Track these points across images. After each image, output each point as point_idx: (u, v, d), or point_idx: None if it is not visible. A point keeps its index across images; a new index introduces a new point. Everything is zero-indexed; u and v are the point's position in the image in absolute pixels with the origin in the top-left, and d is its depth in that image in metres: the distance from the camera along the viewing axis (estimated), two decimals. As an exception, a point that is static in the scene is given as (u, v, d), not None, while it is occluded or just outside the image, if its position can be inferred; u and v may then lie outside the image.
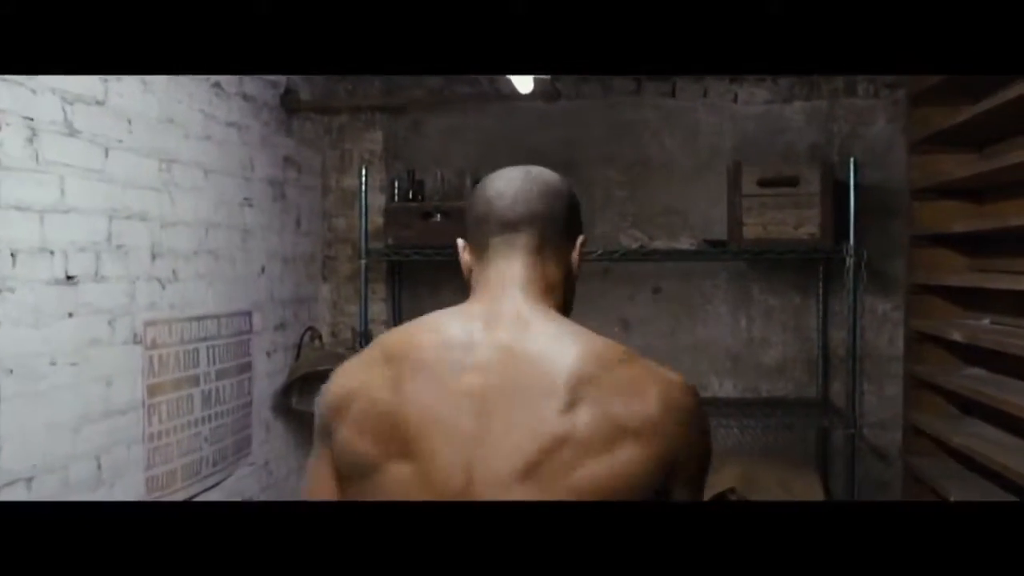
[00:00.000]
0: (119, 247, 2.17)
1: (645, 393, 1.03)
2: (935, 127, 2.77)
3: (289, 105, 3.16)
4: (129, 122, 2.20)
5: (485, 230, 1.17)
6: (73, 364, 1.99)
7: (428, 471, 1.02)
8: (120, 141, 2.17)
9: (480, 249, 1.17)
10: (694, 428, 1.05)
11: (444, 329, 1.10)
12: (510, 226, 1.16)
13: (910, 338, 3.06)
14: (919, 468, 2.88)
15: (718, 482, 3.08)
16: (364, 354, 1.13)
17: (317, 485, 1.12)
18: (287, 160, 3.19)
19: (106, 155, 2.11)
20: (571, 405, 1.01)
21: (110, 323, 2.13)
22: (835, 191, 3.03)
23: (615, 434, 1.00)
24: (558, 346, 1.06)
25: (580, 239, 1.21)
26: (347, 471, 1.08)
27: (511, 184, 1.18)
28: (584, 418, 1.00)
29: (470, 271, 1.19)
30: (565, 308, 1.18)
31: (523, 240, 1.15)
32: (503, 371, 1.04)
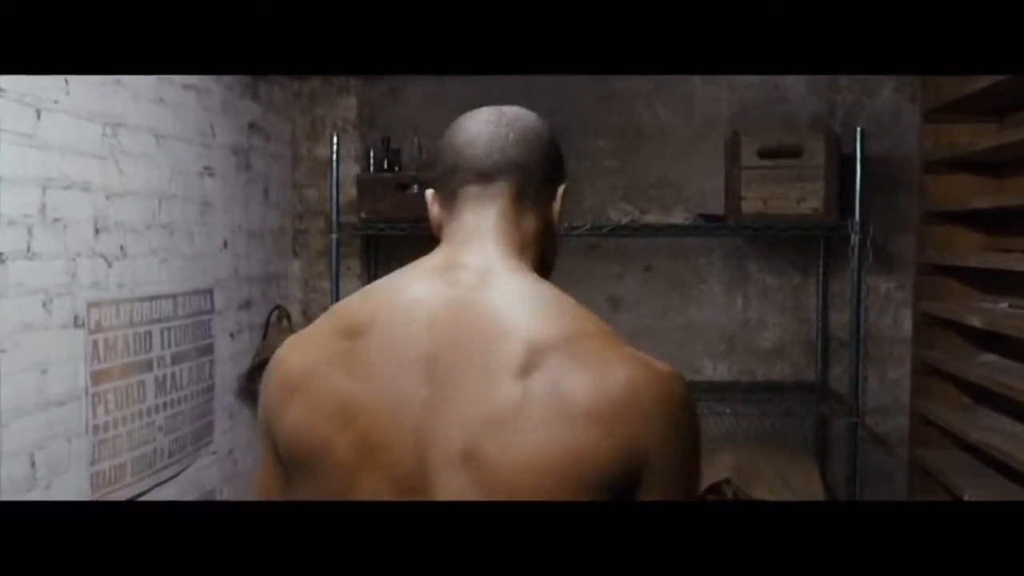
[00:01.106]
0: (56, 220, 1.95)
1: (612, 374, 0.89)
2: (951, 95, 2.57)
3: (255, 67, 2.93)
4: (66, 81, 1.98)
5: (455, 180, 1.06)
6: (1, 351, 1.78)
7: (377, 453, 0.92)
8: (55, 102, 1.94)
9: (449, 201, 1.06)
10: (672, 424, 0.91)
11: (401, 291, 0.99)
12: (483, 176, 1.05)
13: (919, 321, 2.88)
14: (927, 461, 2.72)
15: (711, 472, 2.90)
16: (314, 327, 1.01)
17: (264, 496, 1.02)
18: (253, 127, 2.96)
19: (38, 117, 1.89)
20: (525, 371, 0.89)
21: (45, 305, 1.92)
22: (840, 163, 2.84)
23: (571, 412, 0.88)
24: (522, 305, 0.95)
25: (562, 188, 1.10)
26: (295, 461, 0.96)
27: (485, 129, 1.06)
28: (538, 387, 0.88)
29: (439, 226, 1.07)
30: (544, 265, 1.08)
31: (496, 190, 1.04)
32: (457, 331, 0.93)
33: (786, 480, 2.90)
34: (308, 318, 3.24)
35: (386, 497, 0.91)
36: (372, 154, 3.24)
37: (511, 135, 1.06)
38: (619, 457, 0.88)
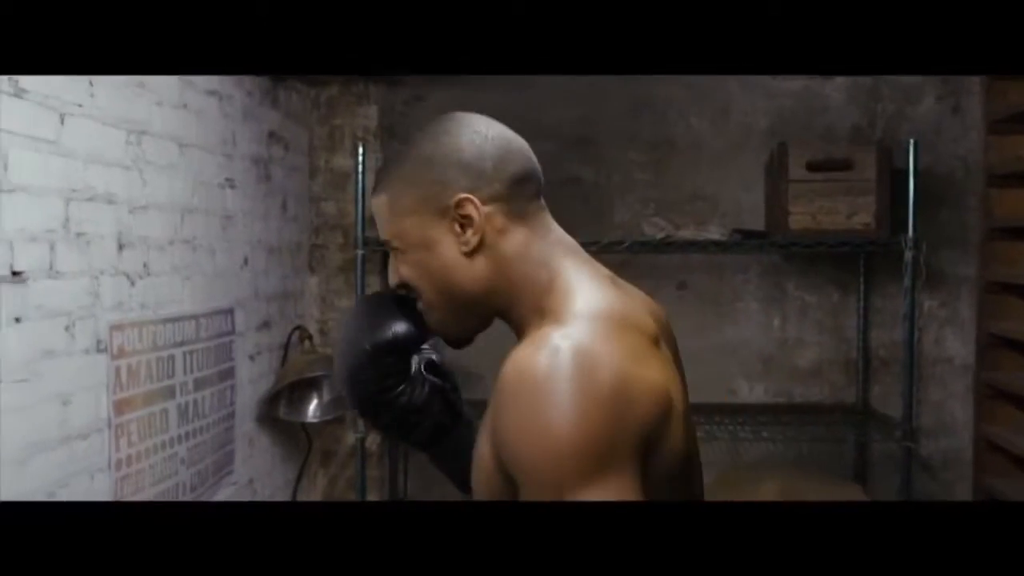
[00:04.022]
0: (79, 235, 1.78)
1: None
2: (1018, 105, 2.45)
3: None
4: (90, 83, 1.81)
5: (527, 191, 1.01)
6: (22, 380, 1.60)
7: (692, 456, 0.98)
8: (79, 106, 1.77)
9: (518, 213, 1.00)
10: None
11: (634, 299, 1.03)
12: (541, 187, 1.05)
13: (984, 342, 2.75)
14: (995, 487, 2.58)
15: (756, 500, 2.76)
16: (619, 337, 0.89)
17: None
18: (272, 136, 2.80)
19: (62, 122, 1.72)
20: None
21: (67, 329, 1.74)
22: (891, 177, 2.72)
23: None
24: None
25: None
26: (663, 471, 0.90)
27: (521, 140, 1.04)
28: None
29: (493, 236, 0.99)
30: None
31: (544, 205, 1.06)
32: (668, 340, 1.05)
33: (835, 508, 2.76)
34: (327, 338, 3.07)
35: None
36: (394, 166, 3.09)
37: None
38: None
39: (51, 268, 1.69)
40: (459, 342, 1.08)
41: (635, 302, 1.01)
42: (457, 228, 0.98)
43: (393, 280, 1.06)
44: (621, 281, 1.06)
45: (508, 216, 0.99)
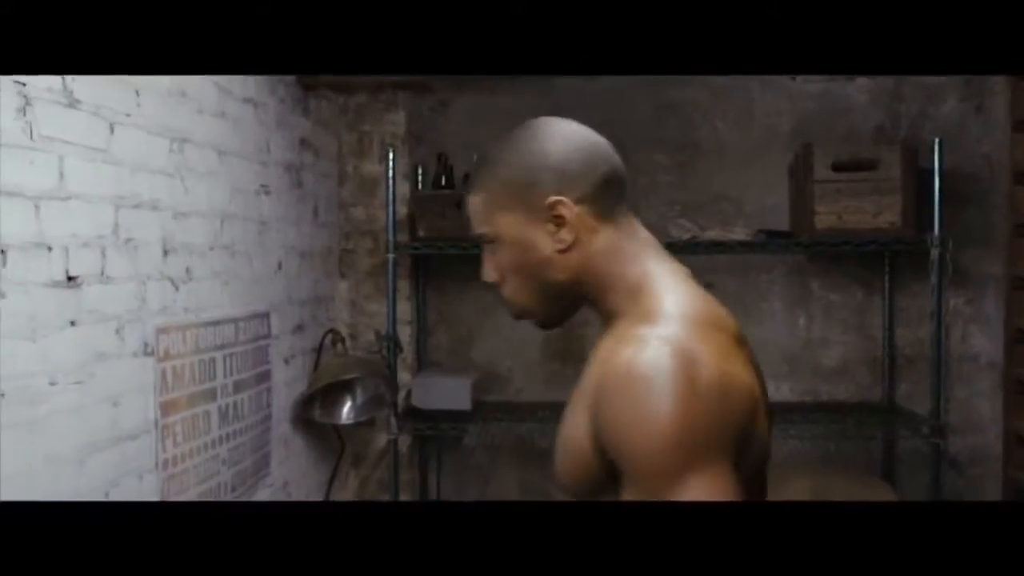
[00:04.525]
0: (127, 241, 1.82)
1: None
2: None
3: (306, 81, 2.82)
4: (137, 93, 1.86)
5: (615, 192, 1.09)
6: (78, 382, 1.65)
7: (766, 447, 1.03)
8: (127, 115, 1.82)
9: (607, 213, 1.08)
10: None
11: (713, 302, 1.07)
12: (626, 190, 1.12)
13: (1012, 339, 2.77)
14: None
15: (787, 499, 2.78)
16: (711, 333, 0.98)
17: None
18: (303, 143, 2.85)
19: (111, 131, 1.77)
20: None
21: (118, 332, 1.79)
22: (917, 176, 2.74)
23: None
24: None
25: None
26: (750, 467, 0.98)
27: (605, 141, 1.13)
28: None
29: (585, 235, 1.07)
30: None
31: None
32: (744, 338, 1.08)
33: (864, 505, 2.78)
34: (357, 342, 3.11)
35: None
36: (421, 170, 3.13)
37: None
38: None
39: (102, 273, 1.74)
40: (547, 325, 1.16)
41: (717, 303, 1.07)
42: (551, 227, 1.06)
43: (487, 274, 1.14)
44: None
45: (597, 216, 1.06)
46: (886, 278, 3.11)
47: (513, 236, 1.08)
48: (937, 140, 2.69)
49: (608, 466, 0.96)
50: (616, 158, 1.11)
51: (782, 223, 3.07)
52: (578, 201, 1.06)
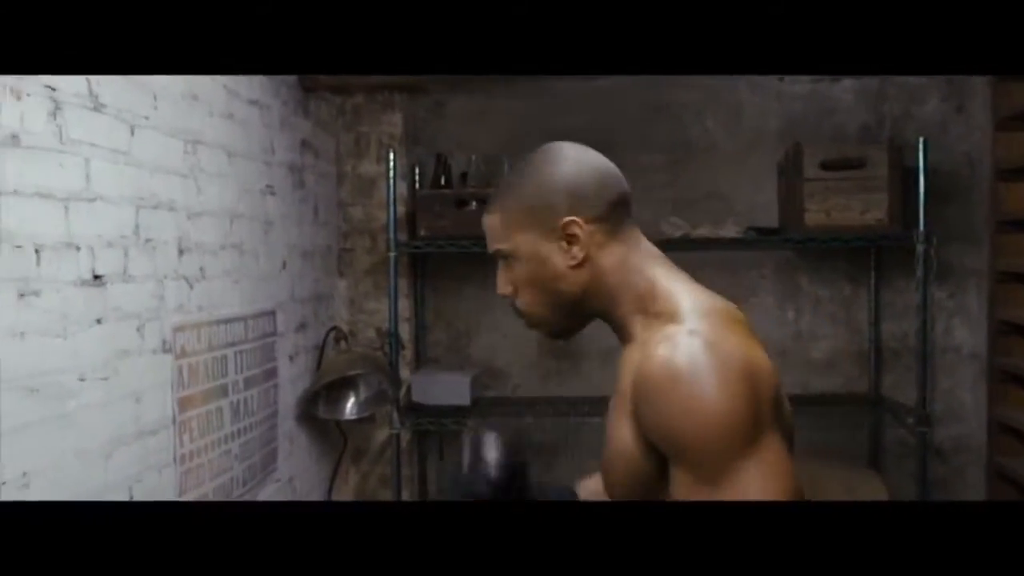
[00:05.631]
0: (147, 241, 1.87)
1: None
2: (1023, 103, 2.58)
3: (307, 83, 2.87)
4: (154, 96, 1.90)
5: (623, 210, 1.18)
6: (104, 379, 1.69)
7: (791, 419, 1.10)
8: (146, 118, 1.87)
9: (617, 230, 1.15)
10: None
11: (716, 295, 1.14)
12: (631, 208, 1.20)
13: (996, 330, 2.87)
14: (1007, 468, 2.70)
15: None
16: (730, 324, 1.07)
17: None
18: (304, 144, 2.90)
19: (132, 134, 1.81)
20: None
21: (139, 329, 1.83)
22: (903, 174, 2.83)
23: None
24: None
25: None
26: (786, 440, 1.06)
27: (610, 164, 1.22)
28: None
29: (593, 250, 1.14)
30: None
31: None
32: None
33: (854, 496, 2.87)
34: (357, 340, 3.16)
35: None
36: (419, 170, 3.19)
37: None
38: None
39: (124, 272, 1.78)
40: (558, 336, 1.25)
41: (722, 298, 1.15)
42: (564, 245, 1.15)
43: (502, 287, 1.22)
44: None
45: (607, 233, 1.15)
46: (873, 273, 3.20)
47: (528, 252, 1.16)
48: (921, 139, 2.78)
49: (658, 464, 1.04)
50: (622, 180, 1.20)
51: (771, 220, 3.16)
52: (589, 221, 1.14)
